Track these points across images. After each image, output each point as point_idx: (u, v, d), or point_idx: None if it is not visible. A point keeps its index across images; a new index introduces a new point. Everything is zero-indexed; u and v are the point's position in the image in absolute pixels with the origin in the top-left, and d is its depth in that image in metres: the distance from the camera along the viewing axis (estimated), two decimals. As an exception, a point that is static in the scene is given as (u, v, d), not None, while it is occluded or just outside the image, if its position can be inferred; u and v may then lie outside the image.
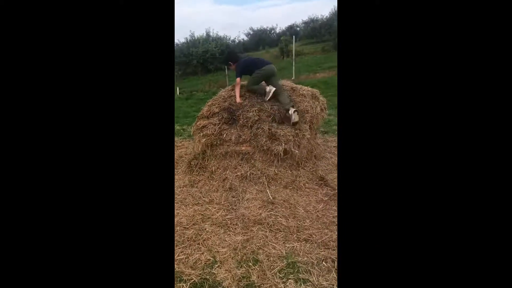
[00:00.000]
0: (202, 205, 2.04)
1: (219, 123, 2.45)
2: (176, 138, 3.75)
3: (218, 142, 2.44)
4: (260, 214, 1.89)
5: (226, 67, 9.12)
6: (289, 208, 1.96)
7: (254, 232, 1.72)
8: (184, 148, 3.34)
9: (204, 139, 2.44)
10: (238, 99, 2.58)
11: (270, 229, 1.74)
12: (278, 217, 1.86)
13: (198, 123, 2.58)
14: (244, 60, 2.71)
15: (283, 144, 2.27)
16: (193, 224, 1.82)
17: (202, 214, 1.93)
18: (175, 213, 1.94)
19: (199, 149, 2.53)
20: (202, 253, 1.56)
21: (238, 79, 2.59)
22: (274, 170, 2.31)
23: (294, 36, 9.85)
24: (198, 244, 1.63)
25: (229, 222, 1.83)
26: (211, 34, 13.50)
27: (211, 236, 1.70)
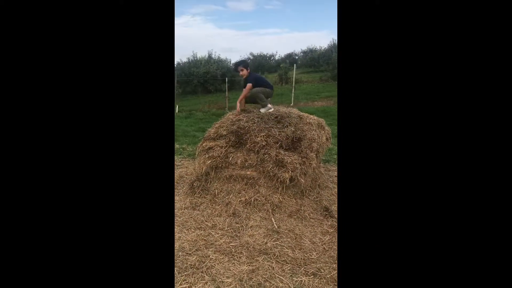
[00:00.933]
0: (204, 230, 1.97)
1: (226, 146, 2.43)
2: (176, 157, 3.69)
3: (223, 164, 2.40)
4: (266, 243, 1.83)
5: (226, 88, 9.25)
6: (295, 238, 1.91)
7: (259, 262, 1.65)
8: (184, 167, 3.29)
9: (209, 161, 2.41)
10: (241, 106, 2.87)
11: (276, 260, 1.68)
12: (284, 247, 1.80)
13: (204, 144, 2.55)
14: (256, 74, 3.13)
15: (290, 172, 2.25)
16: (196, 250, 1.75)
17: (205, 240, 1.86)
18: (177, 237, 1.87)
19: (203, 170, 2.49)
20: (206, 283, 1.48)
21: (250, 85, 2.82)
22: (279, 198, 2.27)
23: (295, 64, 10.15)
24: (202, 272, 1.55)
25: (233, 249, 1.77)
26: (213, 56, 13.82)
27: (215, 264, 1.62)
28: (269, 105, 2.87)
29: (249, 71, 2.94)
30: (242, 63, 3.00)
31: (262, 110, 2.80)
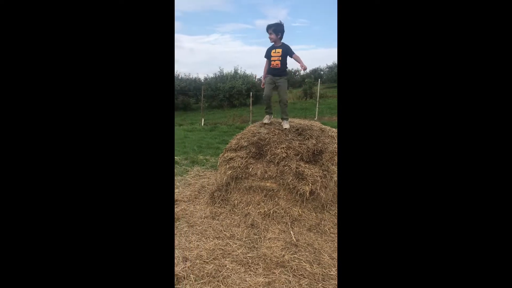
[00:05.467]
0: (223, 240, 1.98)
1: (247, 157, 2.46)
2: (199, 168, 3.78)
3: (244, 175, 2.43)
4: (283, 256, 1.80)
5: (250, 103, 9.41)
6: (314, 253, 1.86)
7: (276, 275, 1.62)
8: (207, 178, 3.34)
9: (230, 171, 2.44)
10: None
11: (294, 274, 1.64)
12: (302, 261, 1.76)
13: (225, 155, 2.60)
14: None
15: (310, 185, 2.22)
16: (213, 258, 1.76)
17: (222, 249, 1.86)
18: (195, 245, 1.89)
19: (224, 180, 2.52)
20: (221, 292, 1.48)
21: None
22: (298, 211, 2.24)
23: (319, 79, 10.14)
24: (218, 281, 1.55)
25: (250, 260, 1.75)
26: (239, 71, 14.18)
27: (231, 274, 1.62)
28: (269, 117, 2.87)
29: (277, 35, 2.60)
30: (278, 28, 2.58)
31: (286, 126, 2.69)
